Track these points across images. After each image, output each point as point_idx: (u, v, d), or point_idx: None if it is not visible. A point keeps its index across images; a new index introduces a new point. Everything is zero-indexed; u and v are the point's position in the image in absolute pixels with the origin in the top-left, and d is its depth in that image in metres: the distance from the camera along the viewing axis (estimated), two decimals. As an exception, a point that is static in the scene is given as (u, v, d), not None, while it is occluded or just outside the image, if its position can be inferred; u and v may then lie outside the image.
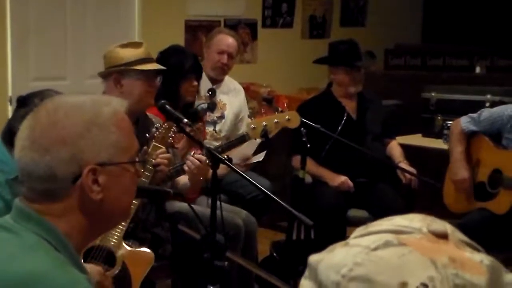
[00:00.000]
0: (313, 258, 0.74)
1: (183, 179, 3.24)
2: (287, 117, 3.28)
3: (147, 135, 2.92)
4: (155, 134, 2.91)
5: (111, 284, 2.55)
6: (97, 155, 1.34)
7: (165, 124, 2.94)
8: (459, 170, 3.79)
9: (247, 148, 3.69)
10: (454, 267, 0.67)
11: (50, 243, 1.31)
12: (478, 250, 0.72)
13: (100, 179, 1.34)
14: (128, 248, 2.82)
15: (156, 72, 3.22)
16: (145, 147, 2.83)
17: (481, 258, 0.70)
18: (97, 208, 1.36)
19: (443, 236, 0.71)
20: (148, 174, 2.82)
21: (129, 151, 1.40)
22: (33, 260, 1.28)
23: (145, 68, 3.11)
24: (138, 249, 2.87)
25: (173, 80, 3.70)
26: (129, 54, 3.11)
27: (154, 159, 2.87)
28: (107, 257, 2.74)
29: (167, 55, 3.77)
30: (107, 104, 1.39)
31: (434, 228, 0.71)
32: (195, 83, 3.83)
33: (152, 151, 2.88)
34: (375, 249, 0.70)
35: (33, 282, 1.24)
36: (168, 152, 3.01)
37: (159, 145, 2.91)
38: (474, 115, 3.83)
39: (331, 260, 0.73)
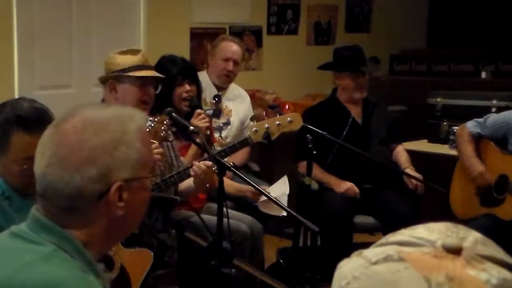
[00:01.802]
0: (340, 263, 0.75)
1: (186, 183, 3.23)
2: (289, 118, 3.27)
3: None
4: (147, 130, 2.89)
5: None
6: (124, 172, 1.35)
7: (157, 118, 2.93)
8: (474, 166, 3.78)
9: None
10: (450, 286, 0.66)
11: (66, 252, 1.33)
12: (503, 265, 0.70)
13: (123, 195, 1.36)
14: (125, 249, 2.81)
15: (153, 79, 3.19)
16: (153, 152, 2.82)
17: (489, 278, 0.68)
18: (117, 222, 1.38)
19: (454, 251, 0.70)
20: None
21: (149, 165, 1.43)
22: (48, 268, 1.29)
23: (138, 75, 3.11)
24: (136, 250, 2.86)
25: (163, 90, 3.59)
26: (125, 60, 3.13)
27: None
28: (105, 261, 2.73)
29: (158, 66, 3.69)
30: (131, 119, 1.40)
31: (447, 242, 0.70)
32: (188, 87, 3.65)
33: None
34: (375, 263, 0.70)
35: None
36: (162, 147, 3.01)
37: (152, 141, 2.90)
38: (480, 119, 3.84)
39: (342, 269, 0.74)
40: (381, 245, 0.74)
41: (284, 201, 3.54)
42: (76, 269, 1.31)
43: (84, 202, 1.34)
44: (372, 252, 0.72)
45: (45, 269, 1.29)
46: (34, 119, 2.21)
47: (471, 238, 0.72)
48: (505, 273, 0.69)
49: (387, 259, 0.70)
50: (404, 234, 0.74)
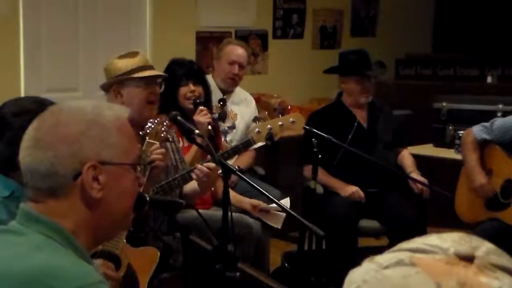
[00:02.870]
0: (352, 269, 0.75)
1: (191, 185, 3.23)
2: (291, 119, 3.27)
3: (140, 133, 2.90)
4: (148, 131, 2.90)
5: (116, 275, 2.55)
6: (98, 153, 1.38)
7: (158, 119, 2.94)
8: (476, 176, 3.78)
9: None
10: None
11: (56, 241, 1.34)
12: None
13: (100, 178, 1.37)
14: (131, 248, 2.81)
15: (157, 79, 3.19)
16: (138, 145, 2.80)
17: (501, 285, 0.67)
18: (98, 206, 1.39)
19: (467, 258, 0.69)
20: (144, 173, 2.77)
21: (130, 154, 1.44)
22: (43, 256, 1.31)
23: (141, 75, 3.12)
24: (142, 248, 2.86)
25: (169, 90, 3.63)
26: (126, 64, 3.13)
27: (149, 156, 2.86)
28: (112, 261, 2.73)
29: (166, 69, 3.73)
30: (109, 108, 1.44)
31: (459, 250, 0.70)
32: (193, 87, 3.72)
33: (147, 148, 2.87)
34: (386, 267, 0.70)
35: (46, 275, 1.26)
36: (164, 147, 3.01)
37: (153, 141, 2.90)
38: (487, 124, 3.82)
39: (352, 273, 0.74)
40: (393, 251, 0.74)
41: (282, 214, 3.58)
42: (70, 256, 1.33)
43: (60, 181, 1.36)
44: (383, 258, 0.72)
45: (40, 257, 1.30)
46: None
47: (484, 248, 0.71)
48: None
49: (398, 263, 0.70)
50: (417, 242, 0.74)
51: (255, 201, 3.71)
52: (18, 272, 1.28)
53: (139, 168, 1.47)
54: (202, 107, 3.66)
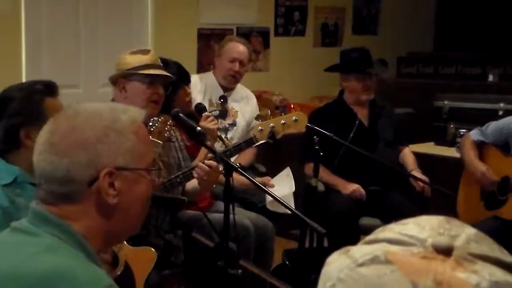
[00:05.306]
0: (328, 259, 0.73)
1: (192, 183, 3.23)
2: (294, 117, 3.27)
3: None
4: (151, 129, 2.90)
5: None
6: (114, 159, 1.37)
7: (161, 118, 2.93)
8: (476, 167, 3.79)
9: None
10: None
11: (68, 243, 1.34)
12: (496, 264, 0.68)
13: (116, 183, 1.37)
14: (130, 247, 2.81)
15: (162, 79, 3.18)
16: (153, 149, 2.81)
17: (479, 281, 0.65)
18: (112, 212, 1.38)
19: (444, 252, 0.67)
20: None
21: (146, 159, 1.43)
22: (54, 258, 1.30)
23: (147, 73, 3.11)
24: (139, 248, 2.86)
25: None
26: (135, 60, 3.13)
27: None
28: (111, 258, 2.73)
29: None
30: (125, 111, 1.42)
31: (437, 242, 0.68)
32: (188, 90, 3.75)
33: None
34: (361, 265, 0.68)
35: (57, 278, 1.26)
36: (164, 146, 3.00)
37: (156, 140, 2.90)
38: (482, 127, 3.88)
39: (328, 267, 0.72)
40: (370, 242, 0.71)
41: (291, 200, 3.54)
42: (81, 259, 1.32)
43: (76, 188, 1.35)
44: (359, 252, 0.70)
45: (51, 259, 1.29)
46: (54, 84, 2.40)
47: (463, 235, 0.69)
48: (497, 274, 0.66)
49: (373, 260, 0.68)
50: (393, 231, 0.71)
51: (264, 179, 3.72)
52: (29, 273, 1.27)
53: (153, 172, 1.47)
54: (208, 113, 3.65)
